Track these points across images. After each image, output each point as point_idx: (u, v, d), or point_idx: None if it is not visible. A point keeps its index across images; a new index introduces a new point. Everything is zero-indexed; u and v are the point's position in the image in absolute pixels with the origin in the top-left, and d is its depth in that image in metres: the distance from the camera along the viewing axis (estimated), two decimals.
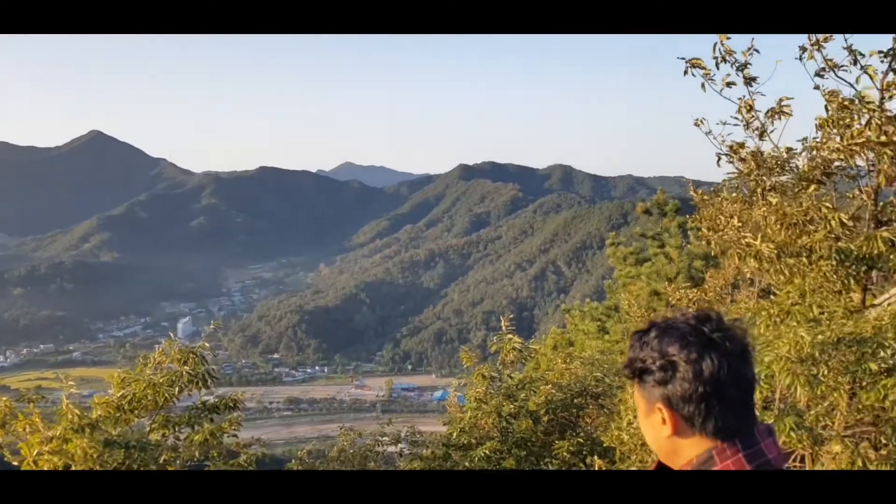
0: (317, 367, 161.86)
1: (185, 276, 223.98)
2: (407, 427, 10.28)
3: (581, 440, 7.47)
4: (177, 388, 6.83)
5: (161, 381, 6.76)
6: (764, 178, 6.22)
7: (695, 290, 7.58)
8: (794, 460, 5.05)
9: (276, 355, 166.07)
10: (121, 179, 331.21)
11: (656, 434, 1.57)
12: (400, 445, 9.02)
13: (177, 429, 7.19)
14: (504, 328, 8.68)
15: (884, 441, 4.26)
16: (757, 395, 4.38)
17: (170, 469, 6.87)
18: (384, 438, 8.70)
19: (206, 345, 7.24)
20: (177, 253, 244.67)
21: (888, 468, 3.67)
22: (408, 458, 8.52)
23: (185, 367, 6.84)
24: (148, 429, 7.20)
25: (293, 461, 8.74)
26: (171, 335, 7.87)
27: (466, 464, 7.26)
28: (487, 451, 7.26)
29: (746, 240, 5.47)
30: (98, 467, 6.57)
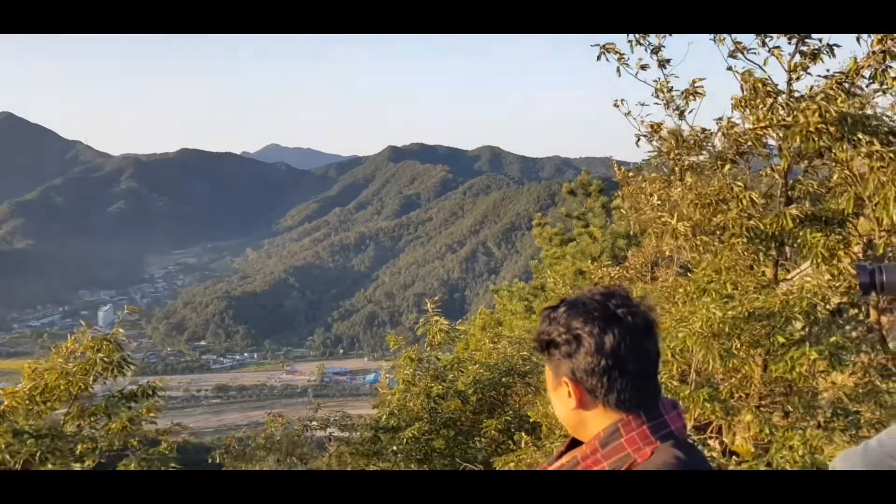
0: (246, 354, 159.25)
1: (105, 263, 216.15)
2: (335, 411, 10.24)
3: (509, 418, 7.56)
4: (91, 377, 6.59)
5: (74, 370, 6.50)
6: (682, 157, 6.39)
7: (616, 269, 7.76)
8: (711, 431, 5.24)
9: (203, 342, 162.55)
10: (34, 163, 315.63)
11: (564, 407, 1.60)
12: (329, 430, 8.95)
13: (93, 419, 6.95)
14: (431, 310, 8.70)
15: (790, 409, 4.46)
16: (674, 369, 4.52)
17: (90, 463, 6.66)
18: (313, 423, 8.62)
19: (122, 331, 7.00)
20: (96, 239, 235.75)
21: (794, 435, 3.84)
22: (336, 442, 8.48)
23: (99, 354, 6.60)
24: (63, 420, 6.94)
25: (220, 448, 8.57)
26: (83, 324, 7.59)
27: (395, 447, 7.27)
28: (416, 433, 7.27)
29: (664, 219, 5.61)
30: (8, 458, 6.31)
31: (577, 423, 1.59)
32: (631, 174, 6.84)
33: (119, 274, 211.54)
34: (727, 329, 4.04)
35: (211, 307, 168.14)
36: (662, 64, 5.77)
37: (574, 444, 1.65)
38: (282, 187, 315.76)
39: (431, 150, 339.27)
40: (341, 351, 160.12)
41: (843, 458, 2.23)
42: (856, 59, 5.49)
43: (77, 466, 6.50)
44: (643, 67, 5.69)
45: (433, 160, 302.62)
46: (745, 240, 5.53)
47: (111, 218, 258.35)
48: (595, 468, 1.53)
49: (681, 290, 5.14)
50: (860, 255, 6.29)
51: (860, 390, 4.71)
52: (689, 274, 6.41)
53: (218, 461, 8.39)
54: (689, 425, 4.66)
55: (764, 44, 5.27)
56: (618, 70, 5.71)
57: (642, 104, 6.30)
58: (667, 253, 7.08)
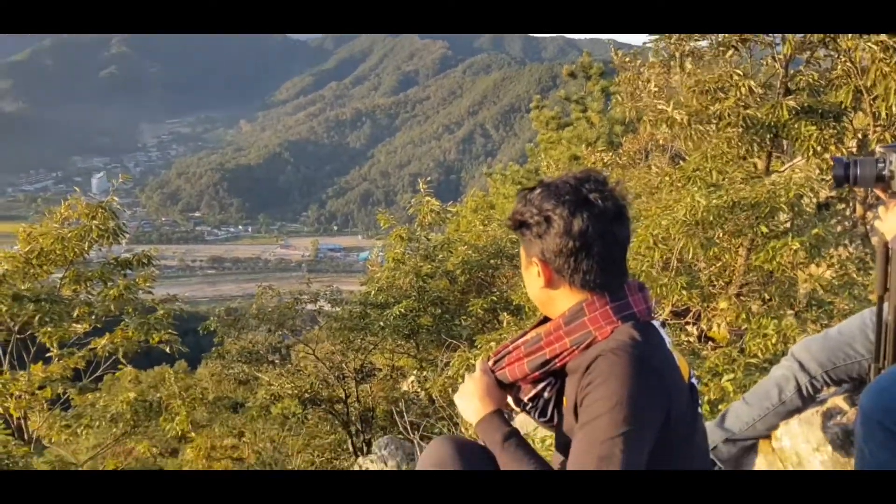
0: (240, 227, 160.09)
1: (97, 130, 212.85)
2: (327, 286, 10.43)
3: (495, 298, 7.72)
4: (86, 243, 6.67)
5: (69, 235, 6.58)
6: (684, 42, 6.23)
7: (610, 154, 7.72)
8: (691, 316, 5.40)
9: (197, 214, 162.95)
10: None
11: (534, 286, 1.66)
12: (319, 303, 9.15)
13: (89, 284, 7.09)
14: (423, 190, 8.71)
15: (767, 297, 4.58)
16: (656, 256, 4.59)
17: (87, 326, 6.84)
18: (303, 297, 8.80)
19: (116, 199, 7.02)
20: (87, 105, 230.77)
21: (768, 321, 3.96)
22: (326, 316, 8.69)
23: (94, 221, 6.65)
24: (59, 284, 7.08)
25: (212, 318, 8.77)
26: (77, 190, 7.60)
27: (382, 323, 7.46)
28: (404, 309, 7.45)
29: (660, 106, 5.54)
30: (9, 320, 6.49)
31: (546, 301, 1.65)
32: (628, 59, 6.67)
33: (112, 141, 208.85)
34: (711, 218, 4.08)
35: (205, 178, 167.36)
36: None
37: (545, 322, 1.72)
38: (276, 58, 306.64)
39: None
40: (335, 228, 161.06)
41: (804, 344, 2.33)
42: None
43: (75, 328, 6.70)
44: None
45: (432, 36, 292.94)
46: (739, 129, 5.49)
47: (103, 83, 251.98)
48: (557, 344, 1.60)
49: (667, 178, 5.14)
50: (854, 150, 6.27)
51: (836, 282, 4.82)
52: (681, 162, 6.40)
53: (212, 328, 8.62)
54: (667, 310, 4.80)
55: None
56: None
57: None
58: (660, 141, 7.04)
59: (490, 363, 1.77)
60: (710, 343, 5.17)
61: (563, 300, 1.62)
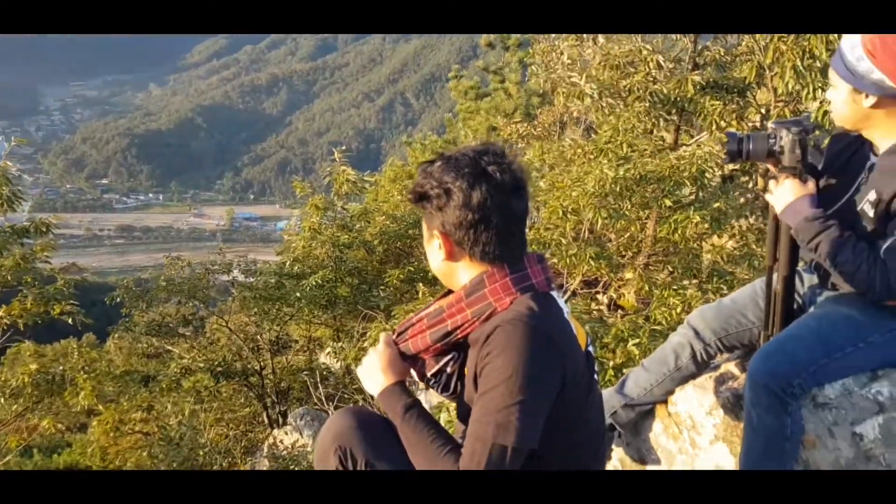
0: (151, 195, 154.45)
1: None
2: (240, 256, 10.20)
3: (412, 269, 7.72)
4: None
5: None
6: None
7: (526, 126, 7.79)
8: (601, 286, 5.55)
9: (104, 181, 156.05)
10: None
11: (435, 258, 1.66)
12: (233, 274, 8.94)
13: None
14: (338, 160, 8.58)
15: (671, 269, 4.75)
16: (568, 227, 4.68)
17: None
18: (216, 267, 8.57)
19: (9, 164, 6.62)
20: None
21: (672, 293, 4.10)
22: (240, 286, 8.50)
23: None
24: None
25: (118, 289, 8.44)
26: None
27: (297, 293, 7.36)
28: (320, 280, 7.36)
29: (573, 79, 5.61)
30: None
31: (448, 273, 1.66)
32: None
33: (9, 103, 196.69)
34: (618, 190, 4.18)
35: (112, 144, 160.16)
36: None
37: (448, 295, 1.73)
38: None
39: None
40: (252, 196, 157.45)
41: (699, 312, 2.43)
42: None
43: None
44: None
45: None
46: (647, 104, 5.63)
47: None
48: (458, 316, 1.62)
49: (578, 150, 5.23)
50: (757, 124, 6.53)
51: (737, 253, 5.03)
52: (594, 135, 6.52)
53: (118, 300, 8.30)
54: (578, 280, 4.91)
55: None
56: None
57: None
58: (575, 114, 7.15)
59: (394, 336, 1.78)
60: (619, 311, 5.34)
61: (463, 272, 1.63)
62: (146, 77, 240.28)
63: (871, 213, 1.96)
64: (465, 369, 1.64)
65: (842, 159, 2.15)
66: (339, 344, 7.54)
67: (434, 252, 1.65)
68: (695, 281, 4.84)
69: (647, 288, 4.47)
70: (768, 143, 2.10)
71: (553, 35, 6.84)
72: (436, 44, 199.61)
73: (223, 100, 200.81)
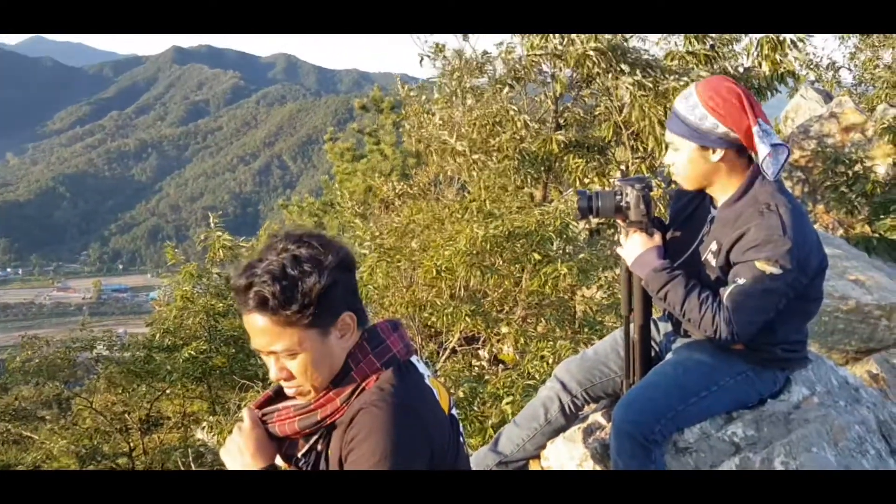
0: (9, 270, 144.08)
1: None
2: (106, 330, 9.62)
3: None
4: None
5: None
6: (464, 79, 6.54)
7: (401, 185, 7.88)
8: (479, 342, 5.60)
9: None
10: None
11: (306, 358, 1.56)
12: (96, 350, 8.39)
13: None
14: (213, 225, 8.33)
15: (543, 320, 4.86)
16: (443, 286, 4.73)
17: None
18: (76, 344, 8.00)
19: None
20: None
21: (545, 345, 4.19)
22: (105, 363, 7.99)
23: None
24: None
25: None
26: None
27: (169, 367, 7.00)
28: (193, 352, 7.04)
29: (444, 137, 5.75)
30: None
31: (317, 363, 1.54)
32: (413, 93, 6.89)
33: None
34: (489, 247, 4.27)
35: None
36: None
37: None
38: (48, 86, 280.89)
39: (221, 53, 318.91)
40: (121, 266, 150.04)
41: (565, 364, 2.48)
42: None
43: None
44: None
45: (223, 65, 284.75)
46: (516, 162, 5.84)
47: None
48: (328, 405, 1.52)
49: (453, 208, 5.34)
50: (616, 181, 6.90)
51: (605, 302, 5.22)
52: (466, 194, 6.67)
53: None
54: (456, 337, 4.94)
55: None
56: None
57: None
58: (448, 173, 7.31)
59: (259, 414, 1.67)
60: (500, 365, 5.40)
61: (326, 358, 1.56)
62: (2, 146, 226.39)
63: (713, 262, 2.08)
64: (330, 451, 1.56)
65: (685, 213, 2.29)
66: (216, 418, 7.19)
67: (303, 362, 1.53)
68: (568, 333, 4.98)
69: (522, 340, 4.56)
70: (615, 199, 2.20)
71: (424, 97, 7.02)
72: (311, 107, 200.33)
73: (88, 167, 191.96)
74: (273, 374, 1.53)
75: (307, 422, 1.56)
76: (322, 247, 1.50)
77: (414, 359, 1.62)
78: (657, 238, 2.17)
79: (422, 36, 6.39)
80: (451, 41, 6.49)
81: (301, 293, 1.44)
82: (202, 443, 7.73)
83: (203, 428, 8.04)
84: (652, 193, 2.22)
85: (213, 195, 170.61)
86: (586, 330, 4.63)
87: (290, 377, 1.53)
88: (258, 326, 1.47)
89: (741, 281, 1.96)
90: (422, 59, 6.54)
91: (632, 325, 2.27)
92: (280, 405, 1.63)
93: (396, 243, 5.61)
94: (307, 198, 18.44)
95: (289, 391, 1.58)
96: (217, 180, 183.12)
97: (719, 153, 2.05)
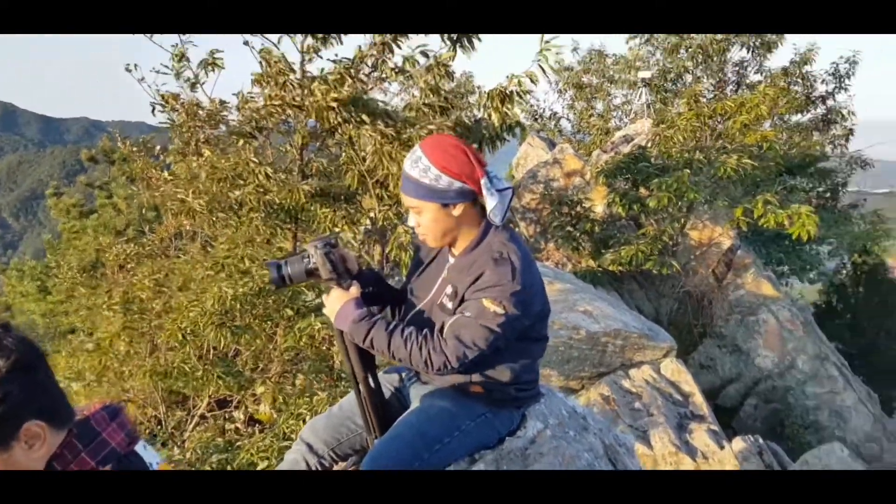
0: None
1: None
2: None
3: None
4: None
5: None
6: (198, 129, 6.25)
7: (133, 245, 7.29)
8: (233, 404, 5.29)
9: None
10: None
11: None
12: None
13: None
14: None
15: (301, 375, 4.73)
16: (189, 350, 4.42)
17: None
18: None
19: None
20: None
21: (302, 402, 4.06)
22: None
23: None
24: None
25: None
26: None
27: None
28: None
29: (179, 195, 5.42)
30: None
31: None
32: (135, 148, 6.45)
33: None
34: (239, 305, 4.08)
35: None
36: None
37: None
38: None
39: None
40: None
41: (311, 425, 2.43)
42: (360, 48, 5.97)
43: None
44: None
45: None
46: (262, 214, 5.67)
47: None
48: None
49: (199, 267, 5.04)
50: (368, 226, 6.97)
51: None
52: (211, 249, 6.35)
53: None
54: (205, 402, 4.63)
55: None
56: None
57: (156, 71, 5.97)
58: (188, 227, 6.92)
59: None
60: (257, 425, 5.14)
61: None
62: None
63: (449, 305, 2.16)
64: None
65: (426, 262, 2.36)
66: None
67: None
68: (326, 384, 4.88)
69: (281, 399, 4.39)
70: (304, 263, 2.21)
71: (158, 148, 6.61)
72: (35, 158, 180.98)
73: None
74: None
75: None
76: None
77: (140, 446, 1.43)
78: (353, 290, 2.21)
79: (154, 84, 6.02)
80: (185, 92, 6.15)
81: None
82: None
83: None
84: (348, 248, 2.27)
85: None
86: (344, 383, 4.57)
87: None
88: None
89: (467, 314, 2.06)
90: (153, 107, 6.15)
91: (360, 381, 2.26)
92: None
93: (140, 306, 5.19)
94: (28, 261, 16.46)
95: None
96: None
97: (459, 208, 2.13)
